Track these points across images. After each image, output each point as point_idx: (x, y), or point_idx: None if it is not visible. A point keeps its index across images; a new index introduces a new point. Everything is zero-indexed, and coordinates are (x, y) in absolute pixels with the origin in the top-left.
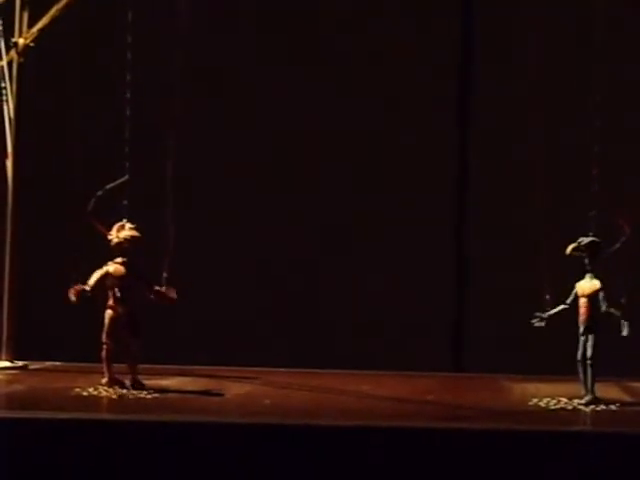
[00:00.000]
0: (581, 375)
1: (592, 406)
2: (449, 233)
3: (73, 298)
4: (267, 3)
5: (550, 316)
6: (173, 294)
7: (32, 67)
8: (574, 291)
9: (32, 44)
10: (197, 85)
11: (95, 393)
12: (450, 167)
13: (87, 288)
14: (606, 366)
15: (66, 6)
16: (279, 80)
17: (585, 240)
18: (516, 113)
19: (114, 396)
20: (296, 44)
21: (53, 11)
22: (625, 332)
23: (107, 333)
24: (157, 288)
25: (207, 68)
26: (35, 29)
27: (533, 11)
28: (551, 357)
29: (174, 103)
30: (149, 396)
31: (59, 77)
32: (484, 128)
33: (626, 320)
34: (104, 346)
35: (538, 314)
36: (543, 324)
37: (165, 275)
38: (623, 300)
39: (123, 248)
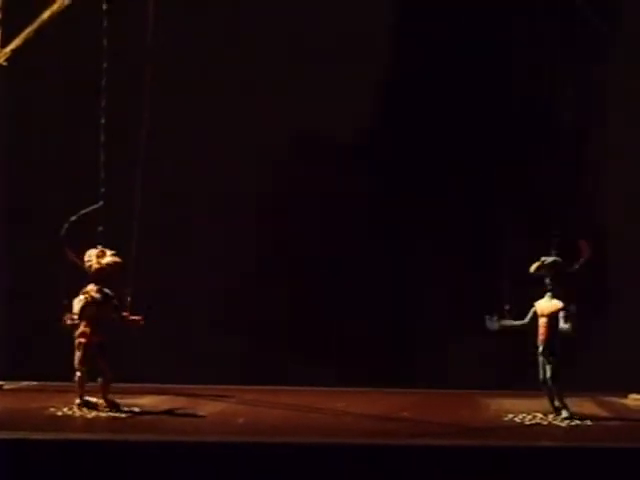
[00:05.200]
0: (546, 395)
1: (567, 421)
2: (425, 250)
3: (69, 323)
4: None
5: (505, 325)
6: (139, 319)
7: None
8: (533, 309)
9: (5, 63)
10: (175, 101)
11: (70, 413)
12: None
13: (75, 317)
14: (581, 381)
15: (40, 27)
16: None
17: (548, 259)
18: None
19: (89, 416)
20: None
21: (27, 32)
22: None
23: (80, 361)
24: (124, 314)
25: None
26: (8, 49)
27: None
28: (527, 373)
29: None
30: (123, 415)
31: (34, 95)
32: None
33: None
34: (77, 373)
35: (494, 316)
36: (495, 327)
37: (129, 299)
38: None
39: (103, 274)
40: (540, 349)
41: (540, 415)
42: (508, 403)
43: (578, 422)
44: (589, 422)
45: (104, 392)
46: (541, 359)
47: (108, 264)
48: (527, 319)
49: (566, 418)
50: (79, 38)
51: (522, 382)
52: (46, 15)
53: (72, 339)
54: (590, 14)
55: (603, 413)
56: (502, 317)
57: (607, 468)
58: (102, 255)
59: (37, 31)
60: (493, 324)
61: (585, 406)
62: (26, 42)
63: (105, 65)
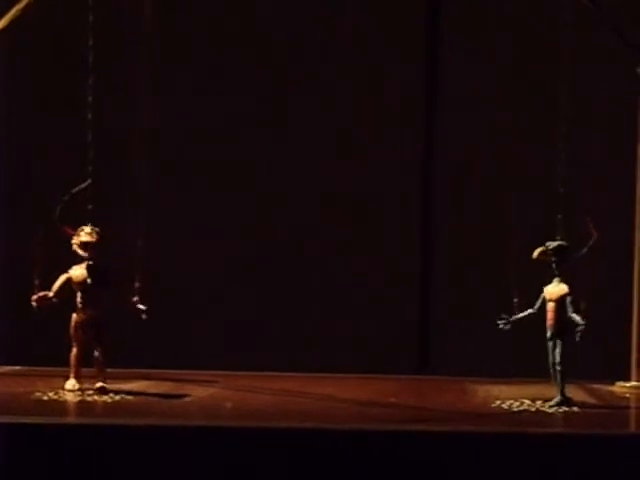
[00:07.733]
0: (553, 379)
1: (555, 408)
2: (415, 234)
3: (35, 304)
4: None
5: (516, 320)
6: (143, 310)
7: None
8: (542, 295)
9: None
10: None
11: (56, 397)
12: (414, 171)
13: (51, 294)
14: (570, 369)
15: (27, 7)
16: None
17: (552, 244)
18: (484, 112)
19: (75, 400)
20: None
21: (13, 12)
22: (577, 338)
23: (72, 336)
24: (132, 299)
25: (173, 65)
26: None
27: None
28: (515, 360)
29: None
30: (110, 400)
31: (21, 78)
32: (452, 129)
33: (584, 326)
34: (72, 348)
35: (504, 316)
36: (508, 327)
37: (137, 285)
38: (583, 305)
39: (83, 251)
40: (549, 334)
41: (528, 402)
42: (496, 389)
43: (566, 409)
44: (577, 409)
45: (98, 375)
46: (550, 344)
47: (76, 243)
48: (536, 306)
49: (554, 405)
50: (67, 17)
51: (511, 369)
52: None
53: (59, 323)
54: None
55: (591, 400)
56: (512, 314)
57: (594, 454)
58: (79, 233)
59: (24, 10)
60: (506, 325)
61: (574, 393)
62: (13, 22)
63: (92, 42)
